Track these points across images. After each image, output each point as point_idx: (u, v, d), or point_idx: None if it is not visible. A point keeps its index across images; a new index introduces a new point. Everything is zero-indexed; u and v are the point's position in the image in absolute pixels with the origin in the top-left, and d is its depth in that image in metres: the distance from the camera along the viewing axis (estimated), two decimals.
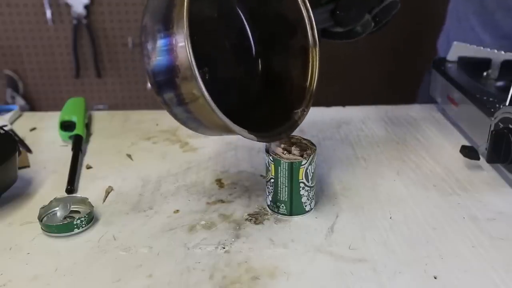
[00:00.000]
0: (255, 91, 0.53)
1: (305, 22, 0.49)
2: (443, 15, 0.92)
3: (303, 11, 0.48)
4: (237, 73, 0.54)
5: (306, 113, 0.48)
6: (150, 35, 0.41)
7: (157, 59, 0.41)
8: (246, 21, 0.53)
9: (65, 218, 0.48)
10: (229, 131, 0.44)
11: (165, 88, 0.42)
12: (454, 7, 0.89)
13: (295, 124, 0.48)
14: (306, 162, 0.46)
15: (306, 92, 0.49)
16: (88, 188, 0.55)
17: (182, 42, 0.39)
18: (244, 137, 0.43)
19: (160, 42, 0.41)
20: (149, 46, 0.41)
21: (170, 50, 0.40)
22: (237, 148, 0.64)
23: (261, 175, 0.57)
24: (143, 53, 0.42)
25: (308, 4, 0.48)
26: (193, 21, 0.40)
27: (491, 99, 0.61)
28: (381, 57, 1.75)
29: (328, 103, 0.79)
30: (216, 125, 0.43)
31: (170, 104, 0.43)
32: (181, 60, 0.39)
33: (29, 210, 0.51)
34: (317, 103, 0.78)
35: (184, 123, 0.46)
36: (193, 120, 0.44)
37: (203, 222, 0.48)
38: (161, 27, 0.41)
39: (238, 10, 0.53)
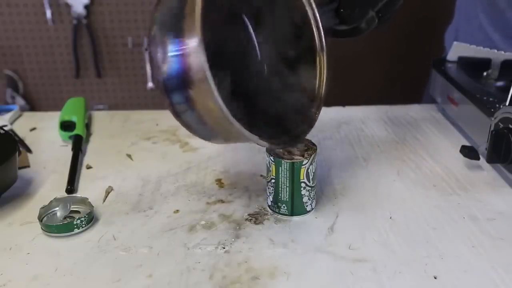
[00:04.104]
0: (261, 93, 0.53)
1: (311, 23, 0.49)
2: (448, 14, 0.92)
3: (309, 12, 0.48)
4: (243, 75, 0.54)
5: (318, 116, 0.48)
6: (160, 46, 0.40)
7: (168, 71, 0.40)
8: (250, 22, 0.53)
9: (65, 218, 0.48)
10: (238, 139, 0.44)
11: (177, 98, 0.41)
12: (462, 5, 0.88)
13: (308, 128, 0.48)
14: (307, 162, 0.46)
15: (315, 95, 0.49)
16: (88, 188, 0.55)
17: (196, 53, 0.38)
18: (258, 144, 0.42)
19: (171, 53, 0.40)
20: (159, 56, 0.40)
21: (183, 61, 0.39)
22: (237, 148, 0.64)
23: (261, 175, 0.57)
24: (152, 64, 0.41)
25: (314, 5, 0.48)
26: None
27: (491, 99, 0.61)
28: (382, 57, 1.75)
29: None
30: (229, 134, 0.42)
31: (181, 114, 0.42)
32: (194, 72, 0.38)
33: (29, 210, 0.51)
34: None
35: (195, 131, 0.45)
36: (206, 129, 0.43)
37: (203, 222, 0.48)
38: (172, 37, 0.40)
39: (241, 11, 0.52)
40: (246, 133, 0.40)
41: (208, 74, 0.37)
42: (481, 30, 0.81)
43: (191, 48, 0.38)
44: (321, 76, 0.49)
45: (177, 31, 0.39)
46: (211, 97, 0.38)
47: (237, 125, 0.39)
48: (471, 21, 0.83)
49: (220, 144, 0.48)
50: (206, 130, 0.43)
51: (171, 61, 0.40)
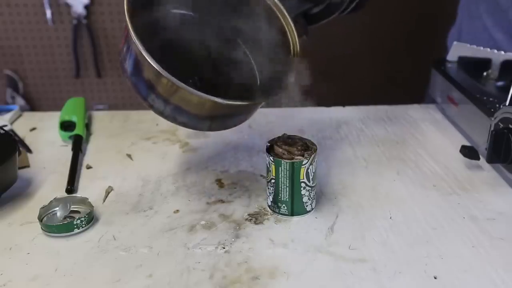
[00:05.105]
0: (248, 80, 0.56)
1: (271, 6, 0.51)
2: (451, 14, 0.91)
3: None
4: (230, 73, 0.56)
5: (293, 79, 0.50)
6: (123, 57, 0.46)
7: (131, 71, 0.46)
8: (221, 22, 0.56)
9: (65, 218, 0.48)
10: (215, 115, 0.47)
11: (145, 91, 0.46)
12: (465, 5, 0.88)
13: (280, 89, 0.50)
14: (307, 162, 0.46)
15: (291, 62, 0.51)
16: (88, 188, 0.55)
17: (135, 42, 0.42)
18: (223, 104, 0.44)
19: (129, 56, 0.45)
20: (126, 65, 0.46)
21: (132, 55, 0.44)
22: (237, 148, 0.64)
23: (261, 175, 0.57)
24: (124, 76, 0.47)
25: None
26: (167, 40, 0.49)
27: (491, 99, 0.61)
28: (382, 57, 1.74)
29: (328, 103, 0.78)
30: (199, 106, 0.45)
31: (153, 104, 0.46)
32: (139, 55, 0.43)
33: (29, 210, 0.51)
34: (317, 103, 0.79)
35: (173, 119, 0.47)
36: (177, 110, 0.46)
37: (203, 222, 0.48)
38: (125, 45, 0.46)
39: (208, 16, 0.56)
40: (198, 93, 0.43)
41: (143, 50, 0.42)
42: (484, 30, 0.81)
43: (133, 41, 0.42)
44: (294, 48, 0.51)
45: (127, 39, 0.45)
46: (150, 65, 0.42)
47: (183, 86, 0.42)
48: (475, 21, 0.83)
49: (206, 130, 0.49)
50: (178, 112, 0.46)
51: (130, 62, 0.46)
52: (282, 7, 0.52)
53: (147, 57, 0.42)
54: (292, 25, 0.51)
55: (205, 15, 0.56)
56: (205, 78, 0.55)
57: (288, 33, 0.51)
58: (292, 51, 0.51)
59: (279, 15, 0.52)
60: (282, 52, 0.52)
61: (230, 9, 0.54)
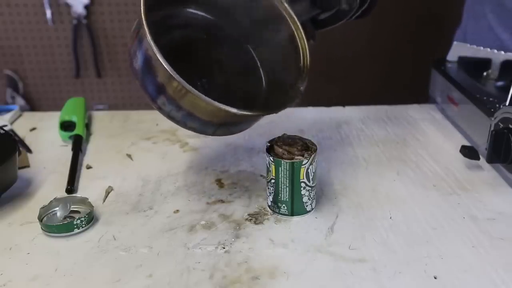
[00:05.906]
0: (256, 86, 0.55)
1: (282, 12, 0.52)
2: (456, 15, 0.91)
3: (276, 3, 0.52)
4: (237, 76, 0.56)
5: (303, 88, 0.50)
6: (133, 56, 0.45)
7: (141, 71, 0.45)
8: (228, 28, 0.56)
9: (65, 218, 0.48)
10: (226, 122, 0.47)
11: (155, 94, 0.45)
12: (471, 6, 0.88)
13: (293, 98, 0.49)
14: (307, 162, 0.46)
15: (301, 71, 0.51)
16: (88, 188, 0.55)
17: (148, 42, 0.41)
18: (235, 113, 0.44)
19: (139, 55, 0.44)
20: (135, 64, 0.45)
21: (145, 56, 0.44)
22: (237, 148, 0.64)
23: (261, 175, 0.57)
24: (134, 75, 0.46)
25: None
26: (178, 41, 0.49)
27: (491, 99, 0.61)
28: (384, 58, 1.75)
29: (328, 103, 0.78)
30: (210, 114, 0.45)
31: (163, 108, 0.46)
32: (154, 59, 0.42)
33: (29, 210, 0.51)
34: (317, 103, 0.79)
35: (184, 124, 0.47)
36: (189, 117, 0.45)
37: (203, 222, 0.48)
38: (137, 44, 0.45)
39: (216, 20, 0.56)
40: (212, 101, 0.42)
41: (157, 51, 0.41)
42: (490, 30, 0.81)
43: (145, 40, 0.42)
44: (303, 49, 0.51)
45: (138, 38, 0.45)
46: (165, 71, 0.42)
47: (196, 92, 0.42)
48: (480, 21, 0.83)
49: (213, 136, 0.49)
50: (189, 117, 0.46)
51: (140, 62, 0.45)
52: (292, 13, 0.51)
53: (161, 60, 0.41)
54: (302, 31, 0.51)
55: (217, 18, 0.55)
56: (212, 81, 0.55)
57: (297, 39, 0.51)
58: (302, 60, 0.51)
59: (289, 21, 0.52)
60: (292, 60, 0.51)
61: (241, 14, 0.54)
